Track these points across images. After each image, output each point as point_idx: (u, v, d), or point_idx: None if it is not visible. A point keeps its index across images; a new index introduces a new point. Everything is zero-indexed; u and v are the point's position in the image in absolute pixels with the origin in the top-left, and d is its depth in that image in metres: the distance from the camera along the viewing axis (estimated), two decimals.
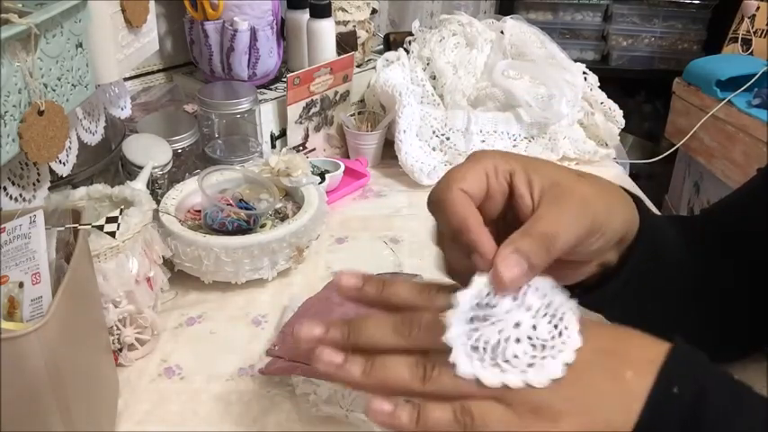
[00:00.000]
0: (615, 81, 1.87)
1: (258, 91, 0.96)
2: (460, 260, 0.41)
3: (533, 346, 0.35)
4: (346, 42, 1.06)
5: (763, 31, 1.58)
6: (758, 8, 1.58)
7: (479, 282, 0.37)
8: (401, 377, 0.36)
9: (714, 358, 0.59)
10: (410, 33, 1.14)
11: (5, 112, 0.53)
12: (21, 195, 0.62)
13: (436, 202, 0.41)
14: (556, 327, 0.36)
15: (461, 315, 0.36)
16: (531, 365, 0.35)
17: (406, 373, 0.36)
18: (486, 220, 0.41)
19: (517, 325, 0.36)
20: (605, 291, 0.47)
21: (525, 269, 0.37)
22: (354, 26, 1.07)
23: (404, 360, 0.36)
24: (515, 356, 0.35)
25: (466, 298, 0.36)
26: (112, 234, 0.57)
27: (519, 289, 0.37)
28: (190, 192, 0.80)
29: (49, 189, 0.66)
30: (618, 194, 0.45)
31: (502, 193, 0.42)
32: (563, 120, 1.02)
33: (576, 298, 0.39)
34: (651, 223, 0.47)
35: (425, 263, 0.79)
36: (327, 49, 0.99)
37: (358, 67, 1.07)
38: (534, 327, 0.36)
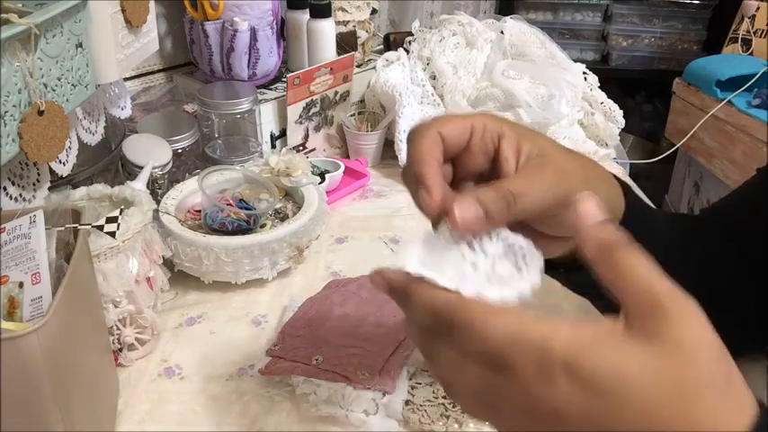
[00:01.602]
0: (615, 81, 1.87)
1: (258, 91, 0.96)
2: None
3: (489, 279, 0.35)
4: (346, 42, 1.06)
5: (763, 31, 1.58)
6: (758, 8, 1.58)
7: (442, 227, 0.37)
8: None
9: None
10: (410, 33, 1.14)
11: (5, 112, 0.53)
12: (21, 195, 0.62)
13: (411, 135, 0.41)
14: (518, 269, 0.36)
15: (415, 249, 0.36)
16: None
17: None
18: (466, 175, 0.42)
19: (473, 265, 0.36)
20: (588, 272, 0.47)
21: (481, 215, 0.37)
22: (354, 26, 1.07)
23: None
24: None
25: (420, 237, 0.36)
26: (112, 234, 0.57)
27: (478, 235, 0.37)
28: (190, 192, 0.80)
29: (49, 189, 0.66)
30: (604, 178, 0.45)
31: (485, 152, 0.42)
32: (563, 120, 1.02)
33: (562, 277, 0.39)
34: (639, 212, 0.47)
35: None
36: (327, 49, 0.99)
37: (358, 67, 1.07)
38: (493, 268, 0.36)
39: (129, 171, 0.80)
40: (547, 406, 0.29)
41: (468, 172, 0.42)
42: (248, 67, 0.97)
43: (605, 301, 0.38)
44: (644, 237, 0.47)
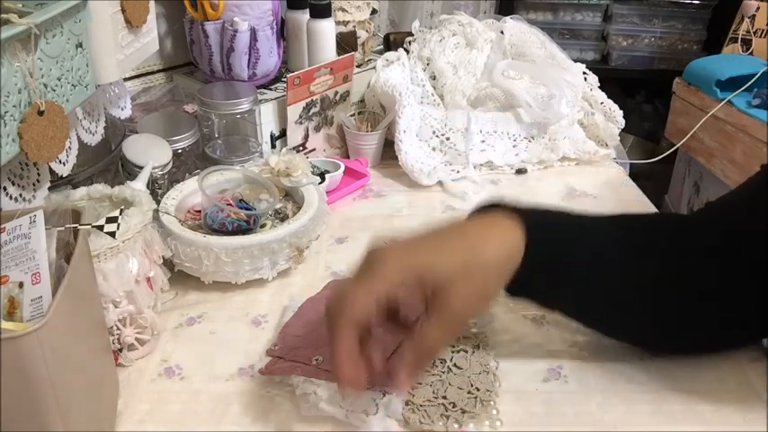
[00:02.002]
0: (615, 81, 1.87)
1: (258, 91, 0.96)
2: None
3: None
4: (346, 42, 1.06)
5: (763, 31, 1.58)
6: (758, 8, 1.58)
7: None
8: None
9: (707, 349, 0.60)
10: (410, 33, 1.14)
11: (5, 112, 0.53)
12: (21, 195, 0.62)
13: (329, 324, 0.49)
14: None
15: None
16: None
17: None
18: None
19: None
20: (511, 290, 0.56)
21: (416, 374, 0.52)
22: (354, 26, 1.07)
23: None
24: None
25: None
26: (112, 234, 0.57)
27: None
28: (190, 192, 0.80)
29: (49, 189, 0.66)
30: (492, 242, 0.52)
31: (394, 299, 0.51)
32: (563, 120, 1.02)
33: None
34: (545, 239, 0.53)
35: None
36: (327, 50, 0.99)
37: (358, 67, 1.07)
38: None
39: (129, 171, 0.80)
40: None
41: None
42: (248, 67, 0.97)
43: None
44: (556, 259, 0.54)
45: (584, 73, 1.10)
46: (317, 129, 1.01)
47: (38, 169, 0.64)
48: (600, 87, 1.10)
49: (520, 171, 1.03)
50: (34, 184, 0.64)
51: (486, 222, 0.54)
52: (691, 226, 0.61)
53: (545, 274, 0.54)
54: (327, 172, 0.92)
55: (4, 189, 0.59)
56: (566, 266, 0.55)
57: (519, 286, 0.54)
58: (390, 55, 1.08)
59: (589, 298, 0.57)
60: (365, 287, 0.49)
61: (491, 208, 0.56)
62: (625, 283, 0.56)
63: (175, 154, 0.84)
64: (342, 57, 0.99)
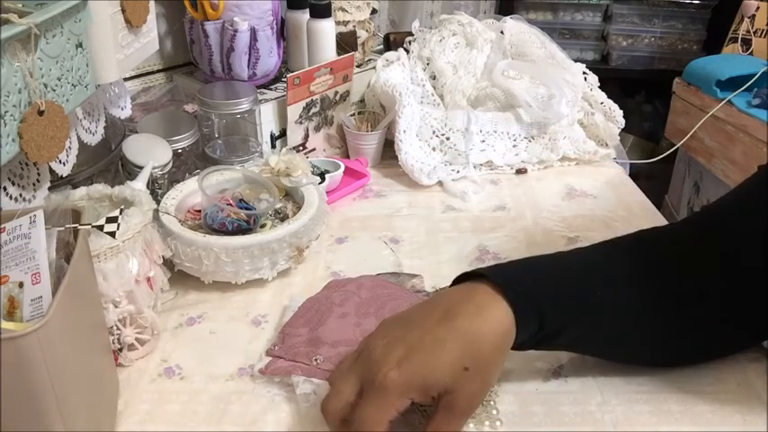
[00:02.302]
0: (615, 81, 1.87)
1: (258, 91, 0.96)
2: None
3: None
4: (346, 42, 1.06)
5: (763, 31, 1.58)
6: (758, 8, 1.58)
7: None
8: None
9: (708, 356, 0.59)
10: (410, 33, 1.14)
11: (5, 112, 0.53)
12: (21, 195, 0.62)
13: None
14: None
15: None
16: None
17: None
18: None
19: None
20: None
21: None
22: (354, 26, 1.07)
23: None
24: None
25: None
26: (112, 234, 0.57)
27: None
28: (190, 192, 0.80)
29: (49, 189, 0.66)
30: (488, 325, 0.51)
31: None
32: (563, 120, 1.02)
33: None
34: (535, 309, 0.53)
35: (425, 263, 0.79)
36: (327, 49, 0.99)
37: (358, 67, 1.07)
38: None
39: (129, 171, 0.80)
40: None
41: None
42: (248, 67, 0.97)
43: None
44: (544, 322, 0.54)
45: (584, 73, 1.10)
46: (317, 129, 1.01)
47: (38, 169, 0.64)
48: (600, 87, 1.10)
49: (520, 171, 1.03)
50: (34, 184, 0.64)
51: (474, 307, 0.52)
52: (684, 235, 0.60)
53: (542, 338, 0.55)
54: (327, 172, 0.92)
55: (4, 189, 0.59)
56: (562, 327, 0.55)
57: (520, 348, 0.55)
58: (390, 55, 1.08)
59: (591, 340, 0.58)
60: (378, 408, 0.49)
61: (471, 279, 0.56)
62: (625, 311, 0.56)
63: (175, 154, 0.84)
64: (342, 57, 0.99)
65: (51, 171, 0.66)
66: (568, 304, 0.55)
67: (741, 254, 0.55)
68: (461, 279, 0.57)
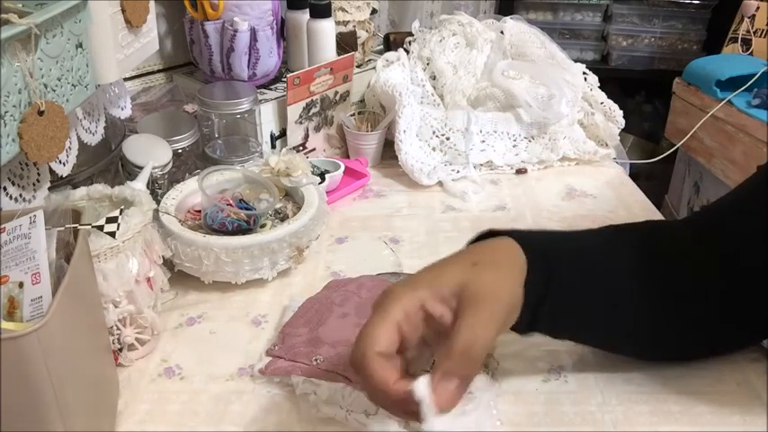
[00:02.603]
0: (615, 81, 1.87)
1: (258, 91, 0.96)
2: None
3: None
4: (346, 42, 1.06)
5: (762, 31, 1.58)
6: (758, 8, 1.58)
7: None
8: None
9: (707, 354, 0.59)
10: (410, 33, 1.14)
11: (5, 112, 0.53)
12: (21, 195, 0.62)
13: (357, 367, 0.45)
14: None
15: None
16: None
17: None
18: (416, 340, 0.47)
19: None
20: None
21: (456, 385, 0.43)
22: (354, 26, 1.07)
23: None
24: None
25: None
26: (112, 234, 0.57)
27: None
28: (190, 192, 0.80)
29: (49, 189, 0.66)
30: (509, 263, 0.50)
31: (419, 326, 0.47)
32: (563, 120, 1.02)
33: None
34: (543, 266, 0.52)
35: (425, 263, 0.79)
36: (327, 49, 0.99)
37: (358, 67, 1.07)
38: None
39: (129, 171, 0.80)
40: None
41: (415, 339, 0.47)
42: (248, 67, 0.97)
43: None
44: (555, 283, 0.53)
45: (584, 73, 1.10)
46: (317, 129, 1.01)
47: (38, 169, 0.64)
48: (600, 87, 1.10)
49: (520, 171, 1.03)
50: (34, 184, 0.64)
51: (485, 243, 0.53)
52: (684, 235, 0.61)
53: (546, 311, 0.53)
54: (327, 172, 0.92)
55: (4, 189, 0.59)
56: (568, 299, 0.54)
57: (525, 326, 0.54)
58: (390, 55, 1.08)
59: (592, 324, 0.57)
60: (379, 316, 0.46)
61: (489, 235, 0.55)
62: (625, 302, 0.56)
63: (175, 154, 0.84)
64: (342, 57, 0.99)
65: (51, 171, 0.66)
66: (574, 277, 0.54)
67: (741, 254, 0.55)
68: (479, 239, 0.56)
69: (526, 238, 0.53)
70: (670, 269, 0.57)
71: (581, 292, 0.55)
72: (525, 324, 0.53)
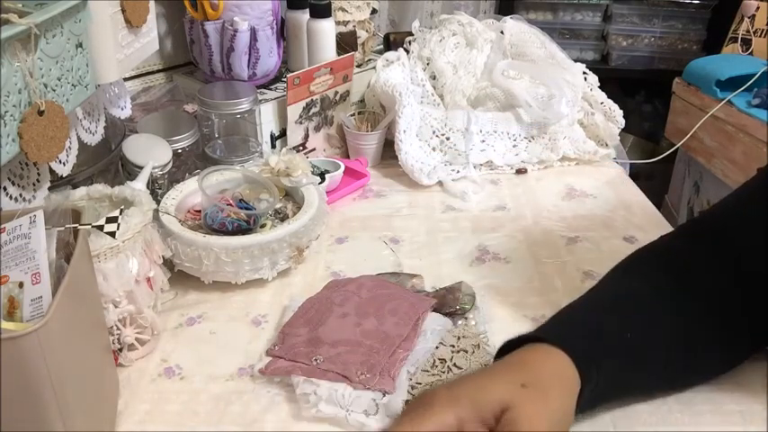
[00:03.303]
0: (615, 81, 1.87)
1: (258, 91, 0.96)
2: None
3: None
4: (346, 42, 1.06)
5: (762, 31, 1.58)
6: (758, 8, 1.58)
7: None
8: None
9: (720, 367, 0.59)
10: (410, 33, 1.14)
11: (5, 112, 0.53)
12: (21, 195, 0.62)
13: None
14: None
15: None
16: None
17: None
18: None
19: None
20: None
21: None
22: (354, 26, 1.07)
23: None
24: None
25: None
26: (112, 234, 0.57)
27: None
28: (190, 192, 0.80)
29: (49, 189, 0.66)
30: (559, 386, 0.48)
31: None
32: (563, 120, 1.02)
33: None
34: (594, 364, 0.51)
35: (425, 263, 0.79)
36: (327, 49, 0.99)
37: (358, 67, 1.07)
38: None
39: (129, 171, 0.80)
40: None
41: None
42: (248, 67, 0.97)
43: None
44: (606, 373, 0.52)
45: (584, 73, 1.10)
46: (317, 129, 1.01)
47: (38, 169, 0.64)
48: (600, 87, 1.10)
49: (520, 171, 1.03)
50: (34, 184, 0.64)
51: (532, 351, 0.50)
52: (680, 251, 0.61)
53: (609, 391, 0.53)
54: (327, 172, 0.92)
55: (4, 189, 0.59)
56: (617, 389, 0.54)
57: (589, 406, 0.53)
58: (390, 55, 1.08)
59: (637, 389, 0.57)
60: (413, 423, 0.45)
61: (523, 342, 0.53)
62: (658, 349, 0.55)
63: (175, 154, 0.84)
64: (342, 57, 0.99)
65: (51, 171, 0.66)
66: (622, 372, 0.53)
67: (742, 259, 0.55)
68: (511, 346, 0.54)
69: (575, 349, 0.50)
70: (689, 296, 0.56)
71: (628, 378, 0.54)
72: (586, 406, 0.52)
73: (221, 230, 0.74)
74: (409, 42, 1.12)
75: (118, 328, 0.61)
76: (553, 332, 0.52)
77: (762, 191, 0.58)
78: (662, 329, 0.55)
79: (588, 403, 0.52)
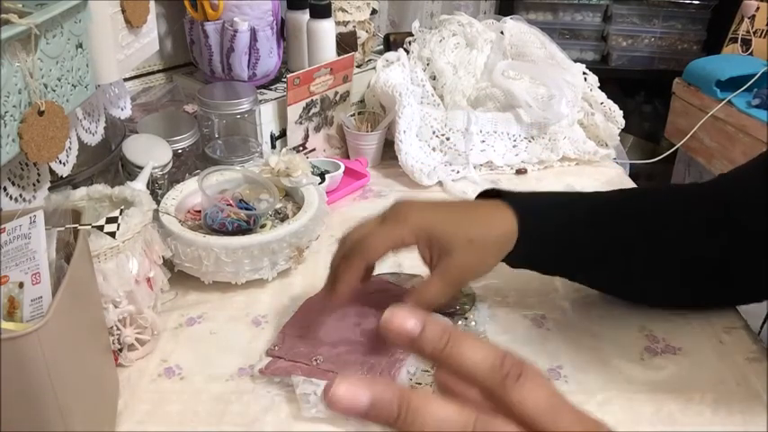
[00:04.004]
0: (615, 81, 1.87)
1: (258, 91, 0.96)
2: None
3: None
4: (346, 43, 1.06)
5: (762, 31, 1.58)
6: (758, 8, 1.58)
7: None
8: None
9: (693, 304, 0.67)
10: (410, 34, 1.14)
11: (5, 113, 0.53)
12: (21, 195, 0.62)
13: (344, 252, 0.59)
14: None
15: None
16: None
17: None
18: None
19: None
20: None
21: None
22: (354, 26, 1.07)
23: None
24: None
25: None
26: (112, 234, 0.57)
27: None
28: (190, 192, 0.80)
29: (49, 189, 0.66)
30: (487, 216, 0.60)
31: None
32: (563, 120, 1.02)
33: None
34: (534, 224, 0.60)
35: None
36: (327, 50, 0.99)
37: (358, 67, 1.07)
38: None
39: (129, 171, 0.80)
40: None
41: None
42: (248, 67, 0.97)
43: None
44: (545, 239, 0.61)
45: (584, 73, 1.10)
46: (317, 129, 1.01)
47: (38, 169, 0.64)
48: (600, 87, 1.10)
49: (520, 171, 1.03)
50: (34, 184, 0.64)
51: (490, 207, 0.61)
52: (691, 193, 0.66)
53: (541, 249, 0.61)
54: (327, 172, 0.92)
55: (4, 189, 0.59)
56: (559, 247, 0.62)
57: (519, 260, 0.62)
58: (390, 55, 1.08)
59: (585, 265, 0.64)
60: (388, 231, 0.57)
61: (491, 195, 0.64)
62: (615, 246, 0.62)
63: (175, 154, 0.84)
64: (342, 57, 0.99)
65: (51, 171, 0.66)
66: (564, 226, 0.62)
67: (749, 220, 0.58)
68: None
69: (521, 200, 0.61)
70: (675, 215, 0.63)
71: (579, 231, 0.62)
72: (518, 258, 0.61)
73: (221, 230, 0.74)
74: (409, 43, 1.12)
75: (118, 329, 0.61)
76: (522, 201, 0.61)
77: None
78: (620, 248, 0.62)
79: (519, 260, 0.62)
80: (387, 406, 0.29)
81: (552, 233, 0.61)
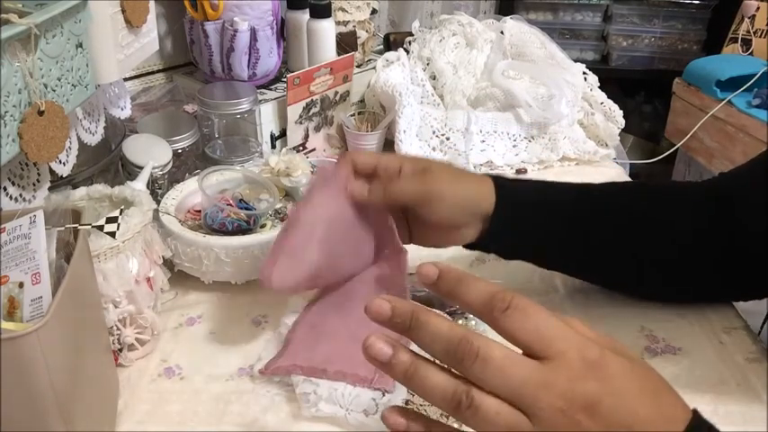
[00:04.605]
0: (615, 81, 1.87)
1: (258, 91, 0.96)
2: None
3: None
4: (346, 42, 1.06)
5: (763, 31, 1.58)
6: (758, 8, 1.58)
7: None
8: (436, 398, 0.37)
9: (685, 295, 0.67)
10: (410, 33, 1.14)
11: (5, 113, 0.53)
12: (21, 195, 0.62)
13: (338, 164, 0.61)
14: None
15: None
16: None
17: (440, 397, 0.37)
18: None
19: None
20: (482, 247, 0.66)
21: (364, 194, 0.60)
22: (354, 26, 1.07)
23: (444, 382, 0.37)
24: None
25: None
26: (112, 234, 0.57)
27: None
28: (190, 192, 0.80)
29: (49, 189, 0.66)
30: (473, 181, 0.62)
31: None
32: (563, 120, 1.02)
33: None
34: (514, 200, 0.62)
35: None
36: (327, 50, 0.99)
37: (358, 67, 1.07)
38: None
39: (129, 171, 0.80)
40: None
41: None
42: (248, 67, 0.97)
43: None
44: (519, 220, 0.62)
45: (584, 73, 1.10)
46: (317, 129, 1.01)
47: (38, 169, 0.64)
48: (600, 87, 1.10)
49: (520, 171, 1.03)
50: (34, 184, 0.64)
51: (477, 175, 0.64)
52: (691, 192, 0.67)
53: (521, 218, 0.63)
54: None
55: (4, 189, 0.59)
56: (531, 223, 0.64)
57: (487, 241, 0.64)
58: (390, 55, 1.08)
59: (552, 249, 0.66)
60: (380, 156, 0.62)
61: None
62: (579, 237, 0.64)
63: (175, 154, 0.84)
64: (342, 57, 0.99)
65: (51, 171, 0.66)
66: (539, 207, 0.64)
67: (750, 220, 0.59)
68: None
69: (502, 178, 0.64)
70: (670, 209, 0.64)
71: (545, 221, 0.64)
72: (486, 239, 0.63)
73: (221, 230, 0.74)
74: (409, 42, 1.12)
75: (118, 329, 0.61)
76: (508, 184, 0.63)
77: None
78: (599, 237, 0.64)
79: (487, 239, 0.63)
80: (402, 314, 0.38)
81: (531, 206, 0.63)
